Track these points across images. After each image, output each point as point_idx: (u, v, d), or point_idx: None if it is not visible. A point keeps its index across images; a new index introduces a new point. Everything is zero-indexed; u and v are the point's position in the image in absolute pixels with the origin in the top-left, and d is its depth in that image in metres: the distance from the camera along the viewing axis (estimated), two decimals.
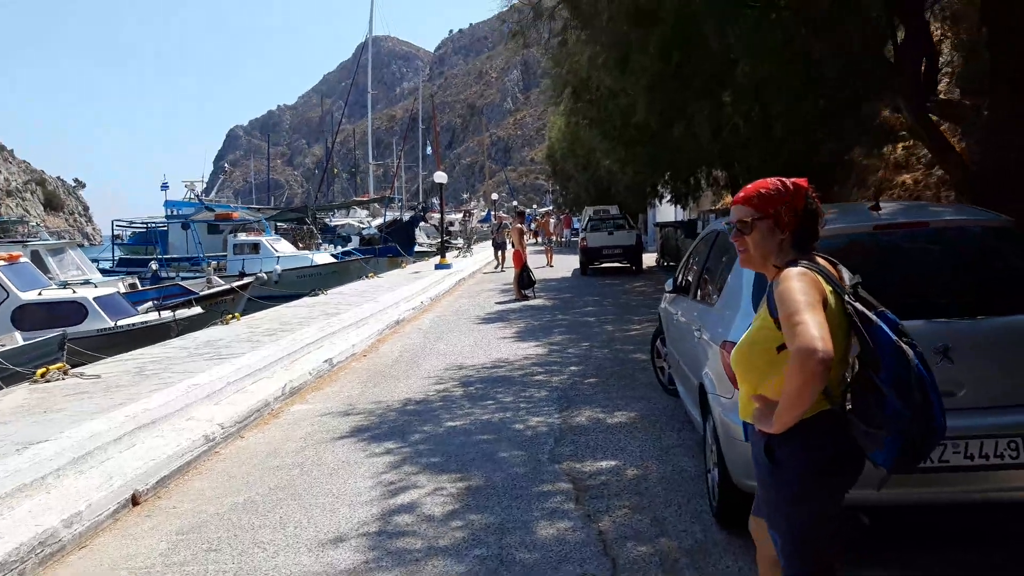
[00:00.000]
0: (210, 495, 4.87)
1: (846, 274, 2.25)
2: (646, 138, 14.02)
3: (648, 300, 14.21)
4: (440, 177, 22.98)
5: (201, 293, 15.56)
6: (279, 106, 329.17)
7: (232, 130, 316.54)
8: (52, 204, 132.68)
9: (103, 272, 27.80)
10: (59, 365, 7.24)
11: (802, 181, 2.29)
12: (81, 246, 32.85)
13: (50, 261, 15.87)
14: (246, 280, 17.39)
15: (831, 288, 2.14)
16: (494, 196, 54.38)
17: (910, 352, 2.05)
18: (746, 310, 3.82)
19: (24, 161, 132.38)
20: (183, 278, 24.23)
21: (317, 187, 60.28)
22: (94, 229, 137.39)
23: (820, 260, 2.24)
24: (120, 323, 12.59)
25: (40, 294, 12.61)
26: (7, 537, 3.76)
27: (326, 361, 8.59)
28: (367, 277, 19.32)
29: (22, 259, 13.12)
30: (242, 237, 26.12)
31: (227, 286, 16.26)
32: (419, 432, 6.04)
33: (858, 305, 2.13)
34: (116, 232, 35.00)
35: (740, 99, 10.17)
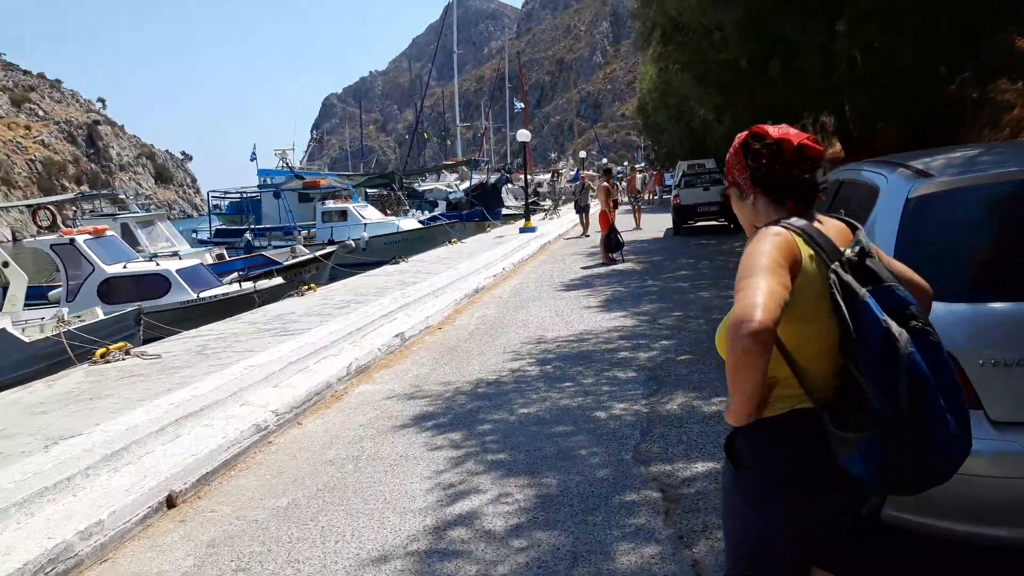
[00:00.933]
0: (253, 496, 4.39)
1: (864, 240, 1.76)
2: (744, 79, 12.77)
3: None
4: (523, 135, 22.11)
5: (285, 263, 15.46)
6: (371, 72, 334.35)
7: (327, 99, 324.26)
8: (162, 177, 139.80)
9: (201, 243, 28.67)
10: (120, 345, 7.00)
11: (760, 128, 1.88)
12: (190, 217, 34.16)
13: (140, 233, 16.15)
14: (329, 249, 17.22)
15: (813, 252, 1.72)
16: (582, 154, 52.98)
17: (903, 339, 1.56)
18: None
19: (134, 136, 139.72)
20: (275, 247, 24.59)
21: (407, 152, 60.42)
22: (201, 200, 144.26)
23: (823, 221, 1.83)
24: (203, 295, 12.55)
25: (125, 267, 12.72)
26: (14, 553, 3.34)
27: (397, 336, 8.07)
28: (450, 243, 18.83)
29: (108, 232, 13.29)
30: (330, 205, 26.16)
31: (311, 255, 16.11)
32: (488, 421, 5.39)
33: (844, 275, 1.67)
34: (213, 203, 36.08)
35: (859, 26, 8.85)
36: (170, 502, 4.26)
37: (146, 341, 9.62)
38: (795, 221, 1.76)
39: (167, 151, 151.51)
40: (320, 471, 4.68)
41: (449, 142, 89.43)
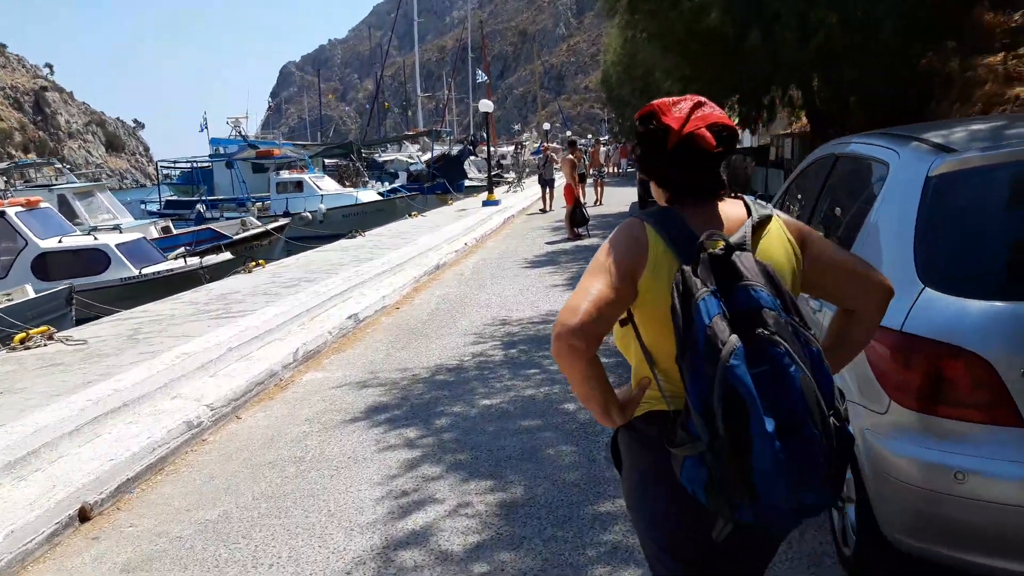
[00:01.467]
0: (179, 506, 3.88)
1: (743, 232, 1.55)
2: (715, 50, 12.33)
3: None
4: (485, 105, 21.45)
5: (234, 237, 14.71)
6: (330, 40, 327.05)
7: (285, 67, 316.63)
8: (113, 145, 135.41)
9: (150, 215, 27.53)
10: (42, 329, 6.36)
11: (652, 105, 1.64)
12: (143, 187, 32.80)
13: (78, 205, 15.22)
14: (282, 222, 16.48)
15: (667, 247, 1.54)
16: (546, 126, 52.29)
17: (726, 348, 1.35)
18: (905, 273, 2.50)
19: (84, 103, 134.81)
20: (227, 219, 23.66)
21: (366, 122, 59.02)
22: (155, 169, 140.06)
23: (723, 208, 1.63)
24: (145, 271, 11.82)
25: (60, 242, 11.89)
26: None
27: (351, 317, 7.54)
28: (410, 216, 18.21)
29: (42, 204, 12.41)
30: (284, 175, 25.23)
31: (262, 228, 15.37)
32: (447, 414, 4.93)
33: (688, 274, 1.46)
34: (164, 173, 34.73)
35: None
36: (83, 515, 3.73)
37: (80, 321, 8.94)
38: (655, 212, 1.62)
39: (118, 119, 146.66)
40: (258, 476, 4.18)
41: (410, 112, 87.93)
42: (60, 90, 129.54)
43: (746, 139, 25.42)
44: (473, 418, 4.83)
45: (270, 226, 15.45)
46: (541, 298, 8.60)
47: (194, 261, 12.00)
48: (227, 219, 23.41)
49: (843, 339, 1.74)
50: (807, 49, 9.80)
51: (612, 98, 45.10)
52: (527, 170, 41.54)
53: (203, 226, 15.56)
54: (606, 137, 62.48)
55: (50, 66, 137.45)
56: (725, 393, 1.34)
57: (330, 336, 6.96)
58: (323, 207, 23.60)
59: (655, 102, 1.64)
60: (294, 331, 6.91)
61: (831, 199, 3.86)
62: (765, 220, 1.61)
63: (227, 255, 12.69)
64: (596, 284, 1.52)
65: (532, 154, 66.59)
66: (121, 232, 13.47)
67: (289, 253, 14.23)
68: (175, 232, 15.71)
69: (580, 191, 14.90)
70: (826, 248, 1.69)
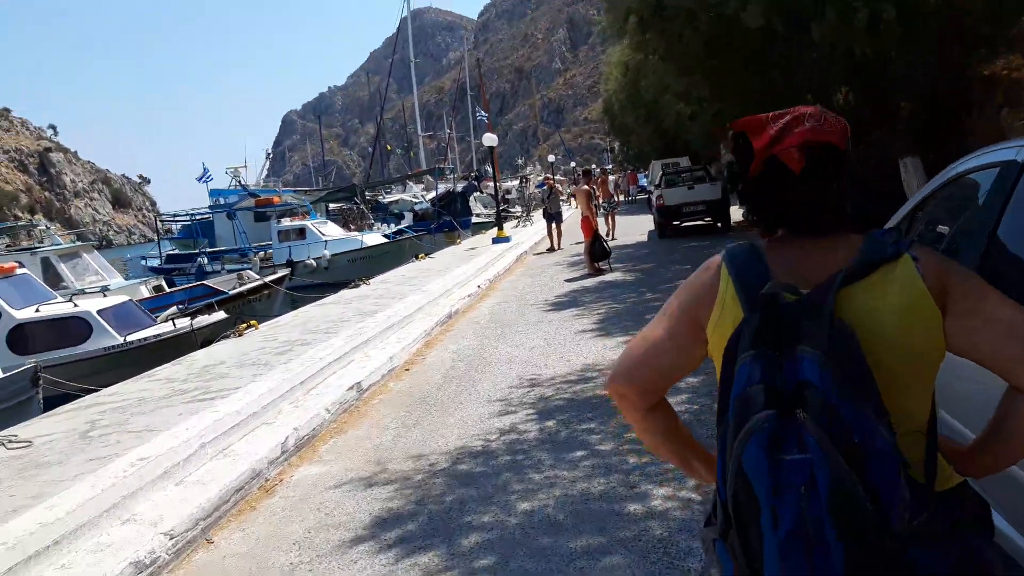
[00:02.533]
0: None
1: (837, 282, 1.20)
2: (736, 65, 11.38)
3: None
4: (489, 139, 20.54)
5: (230, 292, 13.70)
6: (330, 88, 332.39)
7: (287, 115, 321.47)
8: (120, 202, 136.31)
9: (152, 270, 26.71)
10: None
11: (744, 121, 1.35)
12: (151, 241, 31.99)
13: (63, 268, 14.28)
14: (281, 273, 15.46)
15: (736, 293, 1.26)
16: (551, 158, 51.54)
17: (744, 430, 1.10)
18: None
19: (88, 162, 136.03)
20: (228, 271, 22.76)
21: (369, 165, 58.57)
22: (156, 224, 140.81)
23: (830, 247, 1.28)
24: (130, 338, 10.77)
25: (38, 311, 10.88)
26: None
27: (353, 387, 6.42)
28: (417, 259, 17.19)
29: (19, 270, 11.43)
30: (286, 223, 24.36)
31: (260, 280, 14.36)
32: (476, 527, 3.78)
33: (745, 328, 1.19)
34: (166, 226, 34.03)
35: None
36: None
37: (52, 403, 7.84)
38: (740, 247, 1.33)
39: (123, 175, 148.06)
40: None
41: (412, 153, 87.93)
42: (64, 150, 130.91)
43: None
44: (511, 533, 3.67)
45: (268, 278, 14.43)
46: (572, 348, 7.47)
47: (184, 323, 10.95)
48: (228, 271, 22.53)
49: (1006, 427, 1.25)
50: (850, 54, 8.78)
51: (615, 127, 44.51)
52: (533, 203, 40.65)
53: (197, 283, 14.59)
54: (609, 166, 61.85)
55: (54, 127, 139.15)
56: (737, 476, 1.11)
57: (328, 415, 5.84)
58: (327, 253, 22.71)
59: (746, 119, 1.34)
60: (285, 411, 5.79)
61: (985, 226, 2.74)
62: (873, 264, 1.22)
63: (220, 314, 11.64)
64: (655, 327, 1.38)
65: (536, 187, 66.05)
66: (106, 295, 12.47)
67: (294, 304, 13.21)
68: (168, 290, 14.72)
69: (597, 223, 13.84)
70: (984, 299, 1.23)
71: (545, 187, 19.23)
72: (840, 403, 1.09)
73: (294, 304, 14.05)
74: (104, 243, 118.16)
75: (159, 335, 10.75)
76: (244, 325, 9.14)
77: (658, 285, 10.89)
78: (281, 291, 14.56)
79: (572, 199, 23.76)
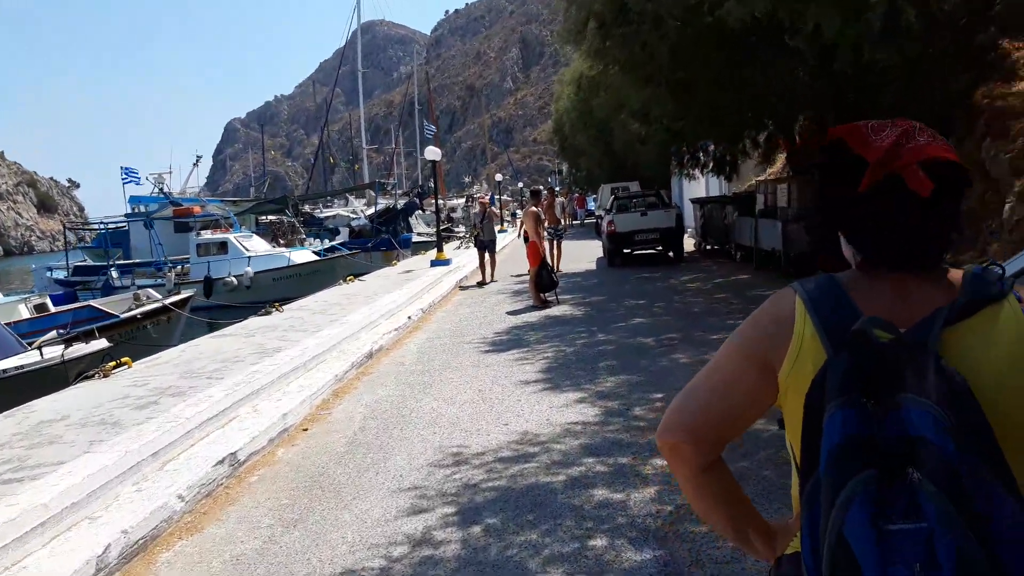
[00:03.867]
0: None
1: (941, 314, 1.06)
2: (703, 81, 10.31)
3: (714, 304, 10.49)
4: (432, 153, 19.10)
5: (121, 316, 11.90)
6: (276, 97, 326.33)
7: (230, 123, 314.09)
8: (46, 206, 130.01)
9: (58, 283, 24.38)
10: None
11: (843, 129, 1.17)
12: (76, 248, 29.47)
13: None
14: (184, 294, 13.68)
15: (815, 332, 1.10)
16: (498, 177, 50.34)
17: (848, 488, 0.94)
18: None
19: (15, 163, 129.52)
20: (139, 287, 20.74)
21: (309, 176, 56.46)
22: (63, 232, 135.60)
23: (924, 283, 1.13)
24: None
25: None
26: None
27: (224, 460, 4.92)
28: (344, 282, 15.61)
29: None
30: (206, 236, 22.42)
31: (159, 303, 12.60)
32: None
33: (833, 373, 1.03)
34: (79, 235, 31.57)
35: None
36: None
37: None
38: (817, 281, 1.14)
39: (51, 179, 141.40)
40: None
41: (357, 167, 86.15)
42: None
43: (714, 187, 23.65)
44: None
45: (168, 300, 12.65)
46: (510, 407, 6.11)
47: (54, 353, 9.19)
48: (138, 287, 20.51)
49: None
50: (828, 69, 7.73)
51: (565, 147, 43.63)
52: (476, 223, 39.29)
53: (83, 304, 12.75)
54: (558, 188, 60.97)
55: None
56: (834, 552, 0.93)
57: (181, 504, 4.33)
58: (250, 270, 20.92)
59: (846, 126, 1.16)
60: (123, 497, 4.27)
61: None
62: (979, 303, 1.07)
63: (101, 342, 9.88)
64: (716, 371, 1.20)
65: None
66: None
67: (211, 328, 11.52)
68: (52, 310, 12.85)
69: (545, 249, 12.57)
70: None
71: (477, 210, 16.13)
72: (960, 463, 0.93)
73: (211, 328, 12.39)
74: (26, 249, 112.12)
75: (21, 367, 8.97)
76: (112, 364, 7.49)
77: (610, 324, 9.64)
78: (183, 316, 12.81)
79: (517, 223, 22.20)
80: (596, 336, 8.90)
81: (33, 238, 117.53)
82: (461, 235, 31.18)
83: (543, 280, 11.74)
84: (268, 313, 11.05)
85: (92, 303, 12.65)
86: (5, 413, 6.11)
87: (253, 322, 10.62)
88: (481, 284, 14.94)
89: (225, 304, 16.81)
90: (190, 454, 5.03)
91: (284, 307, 11.55)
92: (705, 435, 1.17)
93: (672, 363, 7.10)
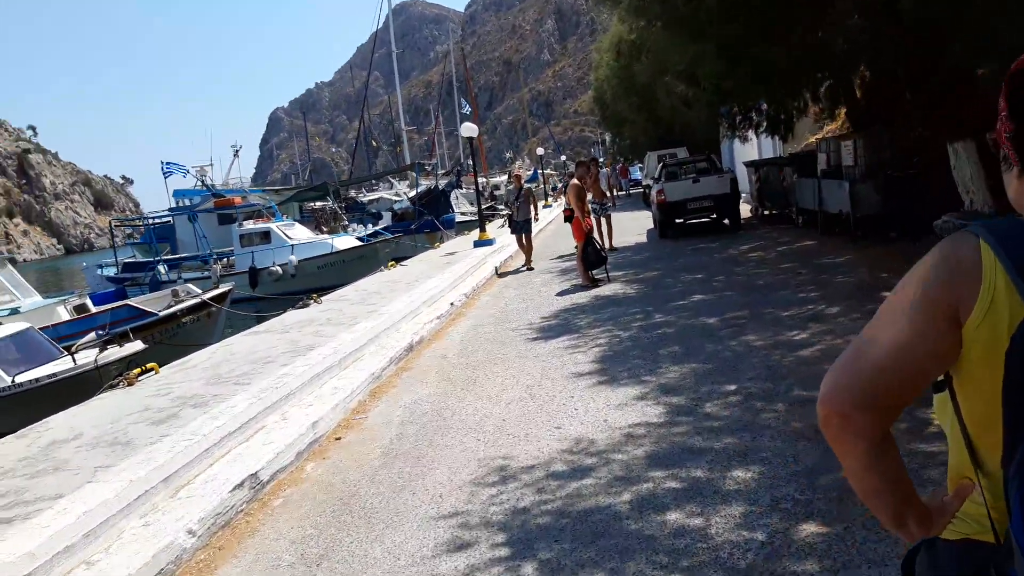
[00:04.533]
0: None
1: None
2: (755, 27, 9.36)
3: (780, 275, 9.62)
4: (468, 129, 18.39)
5: (160, 313, 11.60)
6: (317, 84, 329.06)
7: (274, 113, 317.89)
8: (102, 203, 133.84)
9: (110, 280, 24.58)
10: None
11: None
12: (134, 243, 29.82)
13: None
14: (223, 288, 13.34)
15: (1011, 280, 0.98)
16: (540, 151, 49.39)
17: None
18: None
19: (69, 163, 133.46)
20: (184, 280, 20.68)
21: (351, 160, 56.34)
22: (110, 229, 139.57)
23: None
24: (19, 379, 8.69)
25: None
26: None
27: (244, 482, 4.38)
28: (386, 268, 15.10)
29: None
30: (248, 226, 22.20)
31: (199, 298, 12.26)
32: None
33: None
34: (128, 231, 31.87)
35: None
36: None
37: None
38: (1002, 224, 1.02)
39: (106, 176, 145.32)
40: None
41: (399, 149, 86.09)
42: (44, 151, 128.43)
43: (767, 149, 22.42)
44: None
45: (207, 295, 12.30)
46: (562, 405, 5.46)
47: (87, 359, 8.87)
48: (184, 281, 20.44)
49: None
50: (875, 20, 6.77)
51: (607, 117, 42.42)
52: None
53: (121, 303, 12.50)
54: (602, 159, 59.59)
55: (33, 128, 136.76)
56: None
57: (192, 542, 3.80)
58: (294, 259, 20.62)
59: None
60: (127, 534, 3.76)
61: None
62: None
63: (136, 344, 9.54)
64: (892, 325, 1.06)
65: (527, 181, 63.84)
66: (2, 322, 10.36)
67: (258, 321, 11.12)
68: (92, 311, 12.64)
69: (592, 225, 11.73)
70: None
71: (512, 186, 14.65)
72: None
73: (259, 318, 12.02)
74: (86, 246, 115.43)
75: (54, 376, 8.67)
76: (138, 370, 7.07)
77: (667, 302, 8.88)
78: (223, 310, 12.46)
79: (559, 197, 21.02)
80: (653, 317, 8.16)
81: (92, 235, 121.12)
82: (506, 213, 30.50)
83: (589, 257, 11.00)
84: (306, 306, 10.58)
85: (130, 302, 12.39)
86: (19, 432, 5.71)
87: (290, 316, 10.15)
88: (528, 268, 13.64)
89: (263, 296, 16.47)
90: (208, 476, 4.51)
91: (323, 298, 11.07)
92: (884, 401, 1.06)
93: (743, 347, 6.33)
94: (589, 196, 12.81)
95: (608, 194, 17.42)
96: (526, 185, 14.38)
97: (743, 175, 19.38)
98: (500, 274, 13.56)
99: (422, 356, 7.84)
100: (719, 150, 27.75)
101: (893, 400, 1.07)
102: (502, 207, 34.53)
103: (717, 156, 25.72)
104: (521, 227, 13.71)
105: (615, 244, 14.81)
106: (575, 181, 12.20)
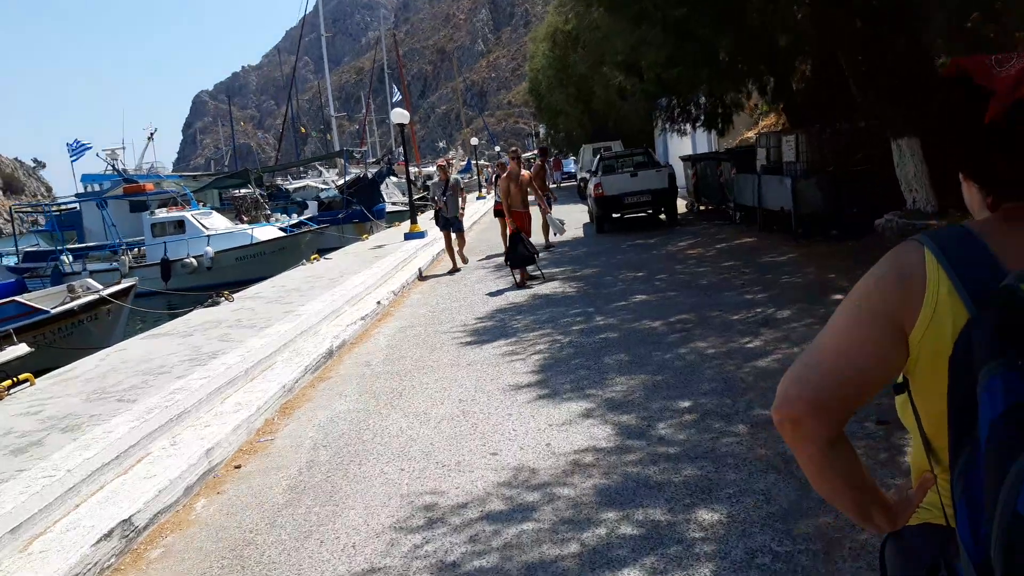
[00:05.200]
0: None
1: None
2: (704, 18, 8.93)
3: (723, 274, 9.24)
4: (399, 116, 17.47)
5: (52, 311, 10.43)
6: (243, 67, 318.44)
7: (198, 96, 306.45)
8: (12, 187, 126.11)
9: (10, 270, 22.74)
10: None
11: (963, 61, 1.09)
12: (40, 229, 27.69)
13: None
14: (125, 284, 12.17)
15: (952, 288, 1.02)
16: (474, 141, 48.52)
17: (1018, 465, 0.83)
18: None
19: None
20: (89, 272, 19.22)
21: (277, 148, 54.26)
22: (9, 215, 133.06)
23: None
24: None
25: None
26: None
27: (112, 533, 3.60)
28: (307, 262, 14.17)
29: None
30: (161, 214, 20.78)
31: (97, 293, 11.10)
32: None
33: (978, 331, 0.96)
34: (30, 217, 29.69)
35: None
36: None
37: None
38: (944, 232, 1.08)
39: (16, 159, 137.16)
40: None
41: (328, 136, 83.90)
42: None
43: (701, 143, 22.28)
44: None
45: (105, 291, 11.15)
46: (498, 423, 4.84)
47: None
48: (89, 273, 18.97)
49: None
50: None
51: (542, 107, 41.91)
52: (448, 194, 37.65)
53: (7, 299, 11.22)
54: (532, 152, 59.09)
55: None
56: (1010, 529, 0.81)
57: None
58: (210, 250, 19.38)
59: (964, 59, 1.10)
60: None
61: None
62: None
63: (21, 347, 8.45)
64: (841, 334, 1.11)
65: (460, 172, 63.09)
66: None
67: (170, 318, 10.09)
68: None
69: (517, 218, 10.87)
70: None
71: (438, 179, 12.78)
72: None
73: (162, 318, 10.97)
74: None
75: None
76: (8, 382, 6.11)
77: (609, 302, 8.36)
78: (126, 308, 11.34)
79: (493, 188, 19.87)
80: (595, 320, 7.62)
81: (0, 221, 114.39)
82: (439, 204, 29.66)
83: (518, 253, 10.34)
84: (216, 304, 9.64)
85: (19, 299, 11.13)
86: None
87: (196, 316, 9.20)
88: (453, 271, 12.24)
89: (192, 287, 15.31)
90: (69, 523, 3.70)
91: (236, 295, 10.14)
92: (832, 406, 1.09)
93: (694, 355, 5.84)
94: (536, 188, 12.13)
95: (547, 190, 16.36)
96: (454, 177, 12.91)
97: (680, 170, 19.15)
98: (423, 277, 12.06)
99: (343, 363, 7.09)
100: (654, 144, 27.61)
101: (843, 406, 1.09)
102: (431, 202, 33.63)
103: (652, 150, 25.57)
104: (450, 223, 12.24)
105: (551, 240, 14.25)
106: (504, 174, 11.36)
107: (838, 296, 7.12)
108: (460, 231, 12.54)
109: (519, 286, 10.08)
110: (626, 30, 9.92)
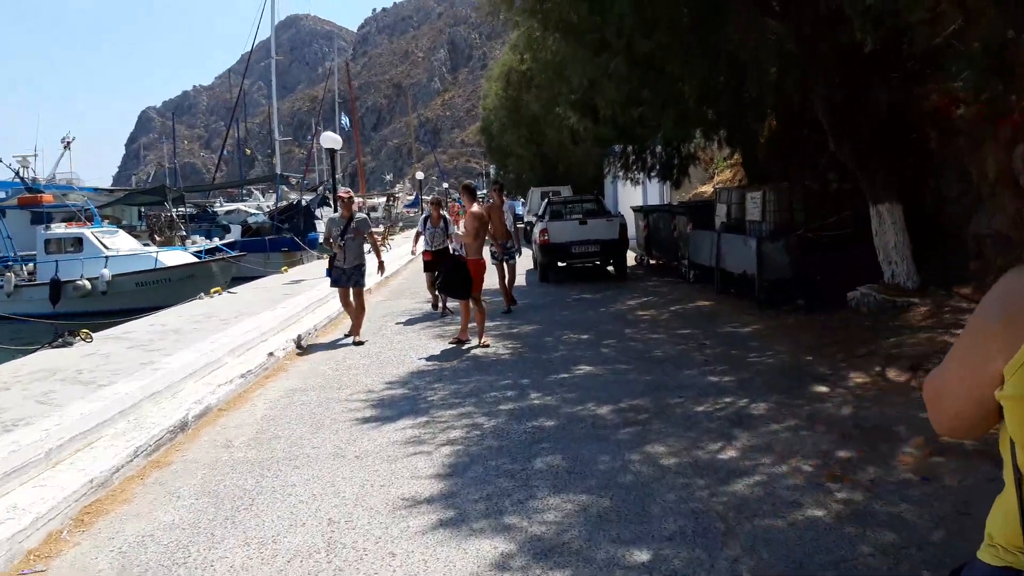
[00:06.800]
0: None
1: None
2: (675, 49, 7.75)
3: (679, 343, 7.92)
4: (330, 140, 15.95)
5: None
6: (195, 87, 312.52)
7: (144, 112, 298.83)
8: None
9: None
10: None
11: None
12: None
13: None
14: None
15: None
16: (419, 174, 47.14)
17: None
18: None
19: None
20: None
21: (216, 167, 51.84)
22: None
23: None
24: None
25: None
26: None
27: None
28: (206, 295, 12.41)
29: None
30: (58, 229, 18.63)
31: None
32: None
33: None
34: None
35: None
36: None
37: None
38: None
39: None
40: None
41: (274, 160, 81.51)
42: None
43: (653, 194, 21.33)
44: None
45: None
46: (377, 571, 3.29)
47: None
48: None
49: None
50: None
51: (493, 147, 40.86)
52: (400, 224, 36.23)
53: None
54: (483, 191, 57.94)
55: None
56: None
57: None
58: (107, 272, 17.32)
59: None
60: None
61: None
62: None
63: None
64: (955, 360, 1.10)
65: (406, 206, 61.53)
66: None
67: (9, 352, 8.23)
68: None
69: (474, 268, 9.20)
70: None
71: (339, 215, 9.21)
72: None
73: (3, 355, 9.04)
74: None
75: None
76: None
77: (548, 373, 6.92)
78: None
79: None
80: (528, 397, 6.15)
81: None
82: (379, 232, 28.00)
83: (453, 282, 8.56)
84: (68, 344, 7.85)
85: None
86: None
87: (35, 360, 7.38)
88: (352, 338, 9.06)
89: (84, 312, 13.33)
90: None
91: (99, 334, 8.35)
92: (967, 431, 1.11)
93: (650, 466, 4.41)
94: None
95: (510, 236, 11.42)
96: (359, 215, 9.37)
97: (630, 220, 18.06)
98: (301, 348, 8.61)
99: (197, 441, 5.44)
100: (604, 192, 26.69)
101: (974, 424, 1.08)
102: (376, 228, 31.87)
103: (602, 197, 24.54)
104: (349, 277, 9.00)
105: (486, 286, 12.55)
106: (475, 209, 8.86)
107: (820, 388, 5.84)
108: (360, 287, 9.14)
109: (434, 307, 8.48)
110: (584, 59, 8.69)
